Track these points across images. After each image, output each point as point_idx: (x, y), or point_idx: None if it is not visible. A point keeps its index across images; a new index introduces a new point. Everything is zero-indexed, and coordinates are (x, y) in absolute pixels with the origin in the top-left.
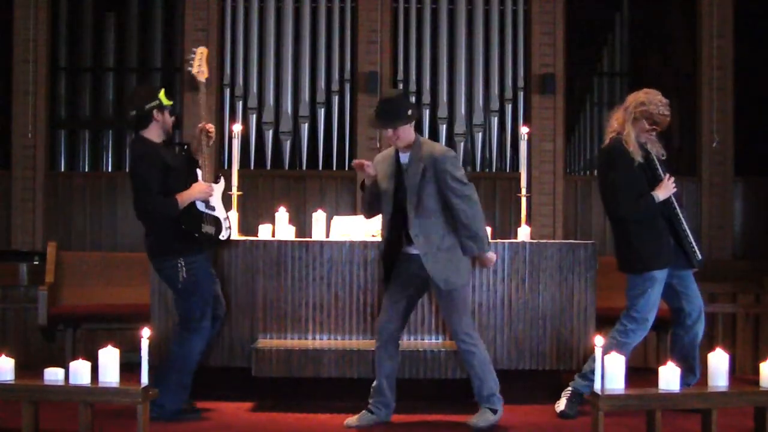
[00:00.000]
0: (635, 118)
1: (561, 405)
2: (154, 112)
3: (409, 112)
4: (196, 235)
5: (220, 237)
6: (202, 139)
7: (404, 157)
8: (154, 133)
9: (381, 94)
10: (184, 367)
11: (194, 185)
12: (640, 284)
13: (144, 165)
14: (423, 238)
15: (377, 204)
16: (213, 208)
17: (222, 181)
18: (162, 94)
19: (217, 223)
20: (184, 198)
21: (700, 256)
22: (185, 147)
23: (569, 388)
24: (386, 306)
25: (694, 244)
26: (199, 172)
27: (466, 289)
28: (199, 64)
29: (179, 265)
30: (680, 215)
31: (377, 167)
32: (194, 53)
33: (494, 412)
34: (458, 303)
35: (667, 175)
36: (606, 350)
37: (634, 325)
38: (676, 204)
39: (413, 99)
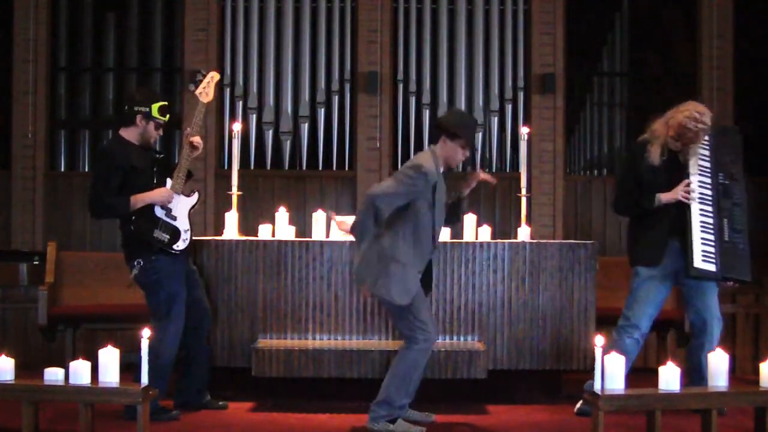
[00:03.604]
0: (668, 124)
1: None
2: (138, 117)
3: None
4: (146, 239)
5: (174, 247)
6: (185, 149)
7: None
8: (131, 134)
9: (462, 112)
10: (156, 365)
11: (155, 189)
12: (632, 278)
13: (102, 162)
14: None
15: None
16: (174, 218)
17: (196, 195)
18: (156, 107)
19: (174, 232)
20: (138, 199)
21: (700, 265)
22: (161, 155)
23: None
24: (428, 316)
25: (704, 252)
26: (168, 180)
27: None
28: (204, 87)
29: (137, 263)
30: (698, 222)
31: (428, 184)
32: (204, 75)
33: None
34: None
35: (685, 182)
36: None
37: (623, 321)
38: (702, 212)
39: (413, 99)
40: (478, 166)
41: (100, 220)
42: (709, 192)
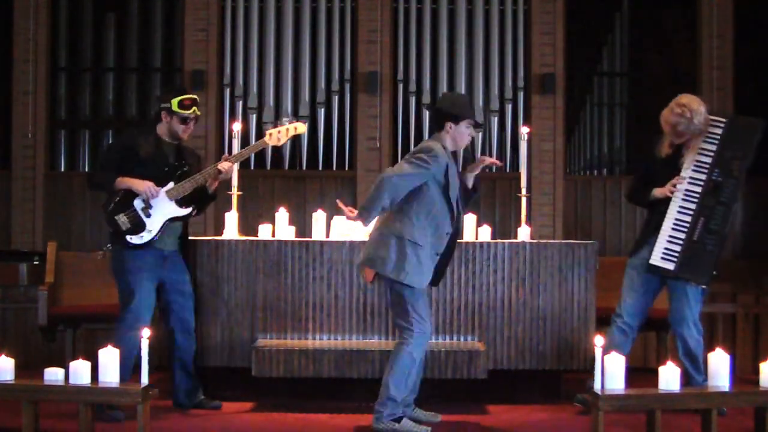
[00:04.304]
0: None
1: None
2: (163, 113)
3: None
4: (108, 217)
5: (127, 237)
6: (211, 168)
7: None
8: (162, 130)
9: (455, 93)
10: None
11: (143, 180)
12: None
13: (113, 142)
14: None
15: None
16: (148, 215)
17: (187, 211)
18: (176, 101)
19: (137, 225)
20: (123, 181)
21: (657, 262)
22: (185, 167)
23: None
24: (427, 313)
25: (666, 249)
26: (171, 184)
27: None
28: (279, 131)
29: (107, 247)
30: (672, 219)
31: (440, 166)
32: (290, 121)
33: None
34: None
35: (677, 178)
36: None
37: (613, 315)
38: (680, 210)
39: (413, 99)
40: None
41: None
42: (698, 189)
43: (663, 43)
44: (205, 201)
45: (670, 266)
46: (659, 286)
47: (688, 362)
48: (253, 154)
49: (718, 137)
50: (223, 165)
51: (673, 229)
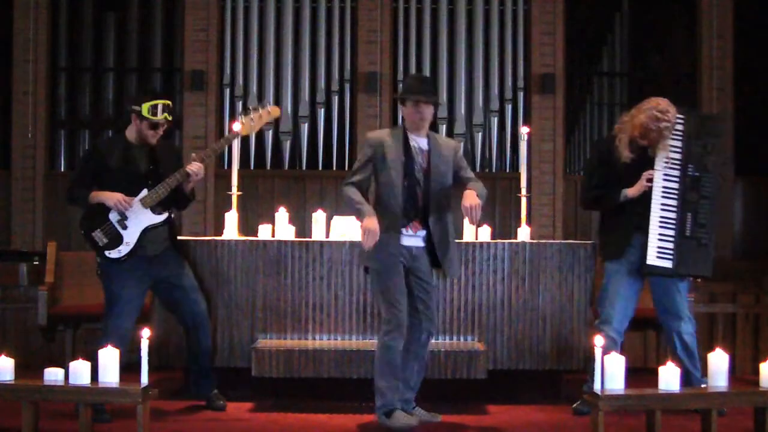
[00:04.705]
0: (632, 121)
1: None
2: (132, 116)
3: None
4: (85, 234)
5: (106, 253)
6: (179, 172)
7: (421, 142)
8: (131, 133)
9: (411, 74)
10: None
11: (114, 193)
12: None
13: (85, 155)
14: (440, 227)
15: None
16: (125, 227)
17: (162, 217)
18: (147, 106)
19: (115, 239)
20: (96, 195)
21: (653, 262)
22: (155, 167)
23: None
24: (402, 299)
25: (660, 249)
26: (144, 191)
27: None
28: (252, 118)
29: (97, 260)
30: (658, 216)
31: (375, 149)
32: (264, 106)
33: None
34: (433, 294)
35: (646, 174)
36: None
37: (597, 320)
38: (663, 207)
39: None
40: (478, 166)
41: None
42: (674, 185)
43: (663, 43)
44: (182, 202)
45: (668, 264)
46: (642, 286)
47: (687, 358)
48: (252, 155)
49: (681, 133)
50: (192, 167)
51: (661, 226)
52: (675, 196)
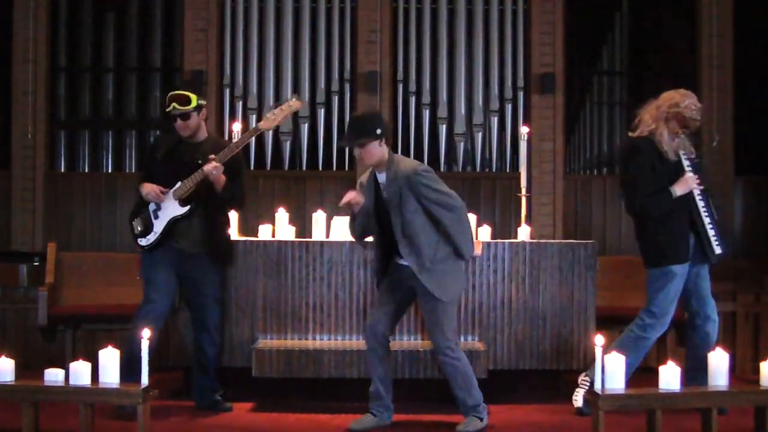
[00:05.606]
0: (667, 118)
1: (579, 401)
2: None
3: (378, 130)
4: (130, 220)
5: (138, 240)
6: (201, 171)
7: (381, 177)
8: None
9: (354, 113)
10: (127, 352)
11: (149, 184)
12: (660, 278)
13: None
14: (414, 257)
15: (368, 227)
16: (157, 216)
17: (185, 209)
18: (172, 104)
19: (147, 227)
20: (141, 187)
21: (719, 251)
22: (200, 161)
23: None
24: (374, 309)
25: (715, 237)
26: (178, 183)
27: (452, 304)
28: (276, 113)
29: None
30: (702, 209)
31: (362, 189)
32: (288, 107)
33: (481, 419)
34: (442, 316)
35: (689, 174)
36: (622, 344)
37: (653, 320)
38: (700, 199)
39: (413, 99)
40: (478, 166)
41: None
42: (697, 175)
43: (663, 43)
44: (218, 201)
45: (725, 248)
46: None
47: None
48: (253, 155)
49: None
50: (208, 167)
51: (705, 217)
52: (700, 185)
